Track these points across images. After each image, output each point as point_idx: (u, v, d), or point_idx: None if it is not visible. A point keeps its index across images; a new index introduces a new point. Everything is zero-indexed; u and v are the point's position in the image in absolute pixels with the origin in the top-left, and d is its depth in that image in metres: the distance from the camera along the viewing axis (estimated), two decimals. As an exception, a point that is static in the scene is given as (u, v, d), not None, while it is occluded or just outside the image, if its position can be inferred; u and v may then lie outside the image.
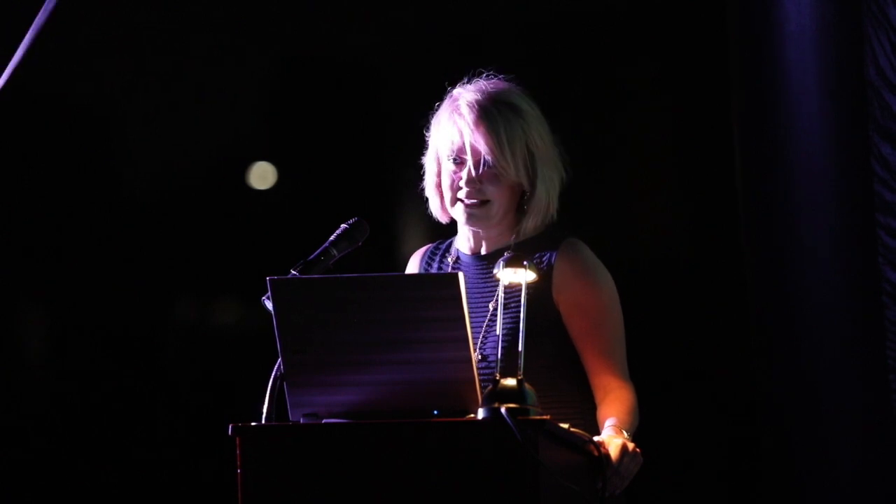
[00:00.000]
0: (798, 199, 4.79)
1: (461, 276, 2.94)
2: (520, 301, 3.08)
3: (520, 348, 3.02)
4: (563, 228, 3.54)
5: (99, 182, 5.67)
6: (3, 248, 5.53)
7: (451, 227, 3.65)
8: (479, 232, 3.54)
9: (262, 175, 5.71)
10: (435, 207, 3.59)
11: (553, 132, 3.55)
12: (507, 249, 3.52)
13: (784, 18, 4.79)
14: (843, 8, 4.67)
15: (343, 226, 3.39)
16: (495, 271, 3.09)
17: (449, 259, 3.61)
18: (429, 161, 3.58)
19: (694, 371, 5.13)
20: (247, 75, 5.63)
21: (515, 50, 5.31)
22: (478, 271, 3.53)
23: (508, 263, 3.07)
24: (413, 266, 3.69)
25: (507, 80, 3.56)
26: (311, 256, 3.30)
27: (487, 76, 3.56)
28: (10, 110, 5.41)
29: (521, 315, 3.04)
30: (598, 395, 3.41)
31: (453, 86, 3.57)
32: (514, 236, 3.53)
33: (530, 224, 3.50)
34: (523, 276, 3.06)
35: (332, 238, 3.36)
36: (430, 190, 3.59)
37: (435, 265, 3.63)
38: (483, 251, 3.56)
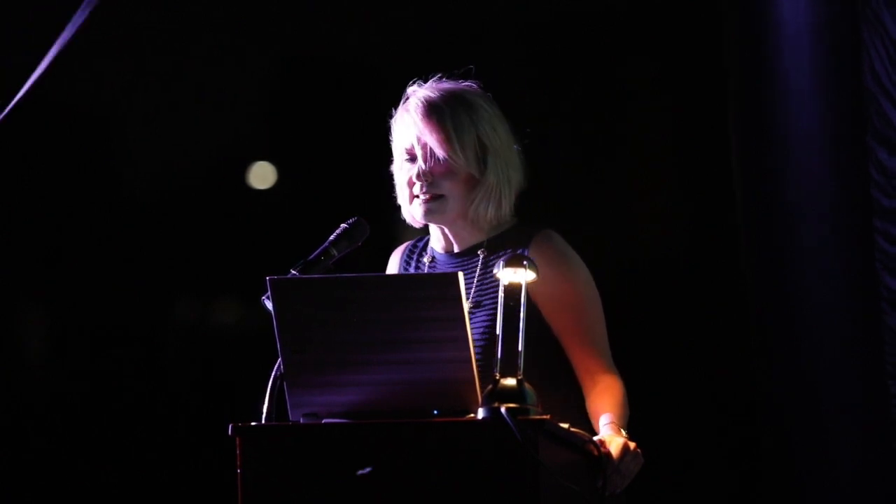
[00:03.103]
0: (797, 199, 4.80)
1: (461, 275, 2.94)
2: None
3: (520, 348, 3.01)
4: (537, 222, 3.54)
5: (99, 182, 5.67)
6: (3, 248, 5.53)
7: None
8: (445, 230, 3.55)
9: (262, 175, 5.71)
10: (407, 214, 3.60)
11: (514, 133, 3.55)
12: (481, 246, 3.52)
13: (781, 21, 4.79)
14: (839, 10, 4.68)
15: (343, 226, 3.39)
16: (495, 271, 3.08)
17: (425, 259, 3.62)
18: (396, 168, 3.59)
19: (694, 371, 5.13)
20: (247, 75, 5.63)
21: (515, 50, 5.31)
22: (453, 269, 3.53)
23: (508, 263, 3.07)
24: (393, 263, 3.69)
25: (466, 82, 3.56)
26: (311, 256, 3.30)
27: (443, 77, 3.57)
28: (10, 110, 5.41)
29: (521, 315, 3.03)
30: (586, 385, 3.40)
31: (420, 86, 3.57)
32: (486, 233, 3.53)
33: (481, 213, 3.50)
34: (523, 275, 3.06)
35: (331, 238, 3.36)
36: (400, 197, 3.60)
37: (413, 264, 3.64)
38: (455, 249, 3.56)
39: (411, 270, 3.62)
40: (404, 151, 3.52)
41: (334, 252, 3.33)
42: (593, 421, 3.32)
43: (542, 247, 3.47)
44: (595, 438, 3.12)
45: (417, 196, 3.50)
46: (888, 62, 4.57)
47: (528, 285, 3.05)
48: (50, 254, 5.60)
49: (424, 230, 3.64)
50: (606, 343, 3.45)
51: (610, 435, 3.17)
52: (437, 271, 3.56)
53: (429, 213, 3.51)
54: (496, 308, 3.36)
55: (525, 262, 3.05)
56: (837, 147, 4.71)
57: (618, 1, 5.27)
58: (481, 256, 3.52)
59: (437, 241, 3.60)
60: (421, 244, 3.67)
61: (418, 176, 3.49)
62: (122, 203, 5.66)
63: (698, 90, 5.19)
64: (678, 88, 5.25)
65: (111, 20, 5.44)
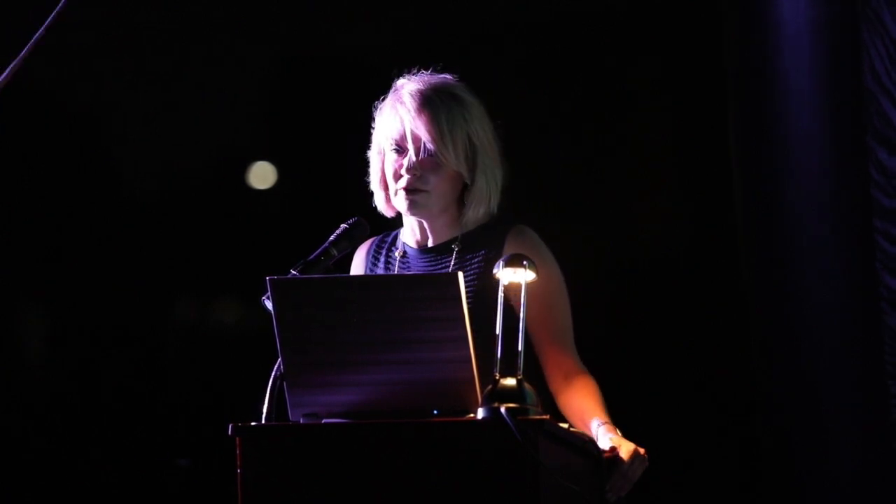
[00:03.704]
0: (797, 199, 4.79)
1: (461, 275, 2.94)
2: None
3: (519, 348, 3.01)
4: (510, 217, 3.55)
5: (99, 182, 5.67)
6: (3, 248, 5.53)
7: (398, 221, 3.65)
8: (423, 224, 3.55)
9: (262, 175, 5.71)
10: (380, 202, 3.60)
11: (497, 127, 3.55)
12: (455, 241, 3.52)
13: (781, 21, 4.79)
14: (839, 10, 4.68)
15: (343, 226, 3.39)
16: (495, 271, 3.08)
17: (396, 253, 3.61)
18: (373, 154, 3.59)
19: (694, 371, 5.13)
20: (247, 75, 5.63)
21: (515, 50, 5.31)
22: (425, 264, 3.54)
23: (508, 263, 3.06)
24: (359, 260, 3.68)
25: (454, 78, 3.57)
26: (311, 256, 3.30)
27: (434, 71, 3.57)
28: (10, 110, 5.41)
29: (521, 315, 3.03)
30: (556, 380, 3.42)
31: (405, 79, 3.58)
32: (460, 228, 3.54)
33: (471, 216, 3.51)
34: (523, 275, 3.06)
35: (331, 238, 3.36)
36: (374, 184, 3.60)
37: (382, 259, 3.63)
38: (429, 243, 3.57)
39: (380, 265, 3.61)
40: (393, 142, 3.51)
41: (334, 252, 3.33)
42: (573, 417, 3.33)
43: (517, 241, 3.49)
44: (608, 443, 3.14)
45: (402, 188, 3.50)
46: (888, 61, 4.57)
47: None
48: (50, 254, 5.60)
49: (395, 221, 3.63)
50: (573, 338, 3.47)
51: (616, 438, 3.18)
52: (409, 266, 3.56)
53: (413, 206, 3.51)
54: (474, 301, 3.37)
55: (525, 263, 3.05)
56: (837, 147, 4.71)
57: (618, 1, 5.27)
58: (455, 251, 3.52)
59: (410, 234, 3.60)
60: (389, 239, 3.66)
61: (408, 169, 3.48)
62: (122, 203, 5.65)
63: (698, 90, 5.19)
64: (678, 88, 5.25)
65: (111, 20, 5.44)
